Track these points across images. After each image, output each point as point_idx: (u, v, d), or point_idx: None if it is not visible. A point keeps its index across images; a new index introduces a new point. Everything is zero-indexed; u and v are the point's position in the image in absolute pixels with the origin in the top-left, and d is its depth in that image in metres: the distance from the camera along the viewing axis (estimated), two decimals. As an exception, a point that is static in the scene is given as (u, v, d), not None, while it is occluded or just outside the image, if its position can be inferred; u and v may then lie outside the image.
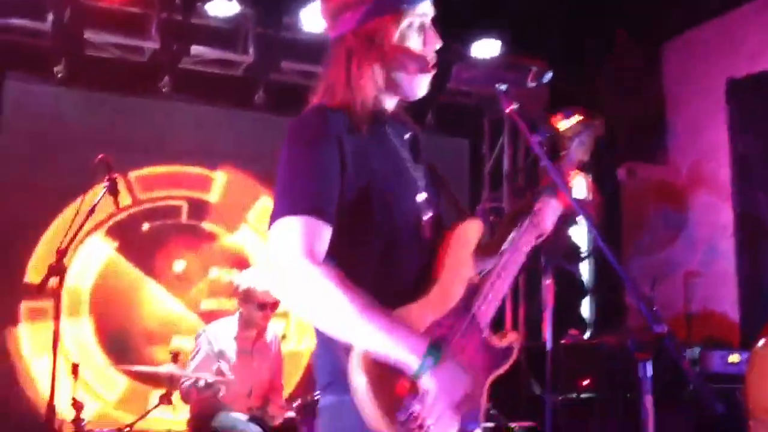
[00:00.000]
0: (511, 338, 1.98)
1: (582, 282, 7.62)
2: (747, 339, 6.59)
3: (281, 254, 1.69)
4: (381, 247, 1.83)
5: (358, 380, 1.66)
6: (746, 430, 3.15)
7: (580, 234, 7.48)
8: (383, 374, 1.67)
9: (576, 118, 6.69)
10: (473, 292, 1.92)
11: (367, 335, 1.66)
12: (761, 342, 3.22)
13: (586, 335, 7.43)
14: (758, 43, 6.97)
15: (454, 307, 1.87)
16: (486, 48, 6.69)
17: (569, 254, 7.06)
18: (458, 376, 1.71)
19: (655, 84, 8.15)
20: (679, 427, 5.03)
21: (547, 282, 5.31)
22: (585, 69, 7.21)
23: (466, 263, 1.94)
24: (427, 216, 1.93)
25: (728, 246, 7.08)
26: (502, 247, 2.06)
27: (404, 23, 1.91)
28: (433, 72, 1.95)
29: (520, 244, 2.05)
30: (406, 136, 2.02)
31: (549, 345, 5.24)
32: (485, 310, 1.92)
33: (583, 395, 5.73)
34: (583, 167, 2.28)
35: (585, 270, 7.74)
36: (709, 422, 5.09)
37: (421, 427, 1.67)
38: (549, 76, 1.87)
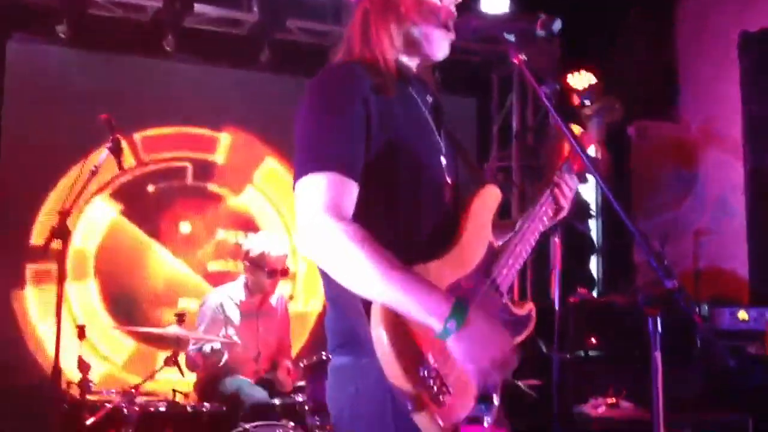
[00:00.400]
0: (529, 307, 1.99)
1: (591, 240, 7.58)
2: (756, 296, 6.57)
3: (306, 210, 1.67)
4: (404, 206, 1.80)
5: (379, 333, 1.62)
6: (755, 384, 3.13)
7: (588, 192, 7.43)
8: (405, 328, 1.64)
9: (587, 77, 6.57)
10: (494, 257, 1.90)
11: (390, 293, 1.62)
12: None
13: (594, 293, 7.41)
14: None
15: (474, 269, 1.84)
16: (494, 3, 6.60)
17: (578, 212, 7.01)
18: (487, 337, 1.65)
19: (667, 40, 8.03)
20: (689, 383, 5.01)
21: (555, 240, 5.25)
22: (596, 23, 7.08)
23: (486, 227, 1.92)
24: (448, 179, 1.91)
25: (739, 204, 7.01)
26: (522, 218, 2.05)
27: None
28: (452, 34, 1.92)
29: (540, 214, 2.06)
30: (429, 98, 1.98)
31: (557, 303, 5.21)
32: (506, 274, 1.91)
33: (591, 353, 5.72)
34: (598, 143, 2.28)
35: (594, 228, 7.69)
36: (719, 377, 5.07)
37: (442, 385, 1.64)
38: (558, 24, 1.81)
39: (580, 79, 7.05)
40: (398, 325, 1.63)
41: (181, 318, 4.35)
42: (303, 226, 1.67)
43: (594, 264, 7.65)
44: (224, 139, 6.57)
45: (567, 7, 7.19)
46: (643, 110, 8.05)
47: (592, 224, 7.63)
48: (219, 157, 6.56)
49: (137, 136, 6.23)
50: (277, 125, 6.50)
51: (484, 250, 1.88)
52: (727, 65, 7.12)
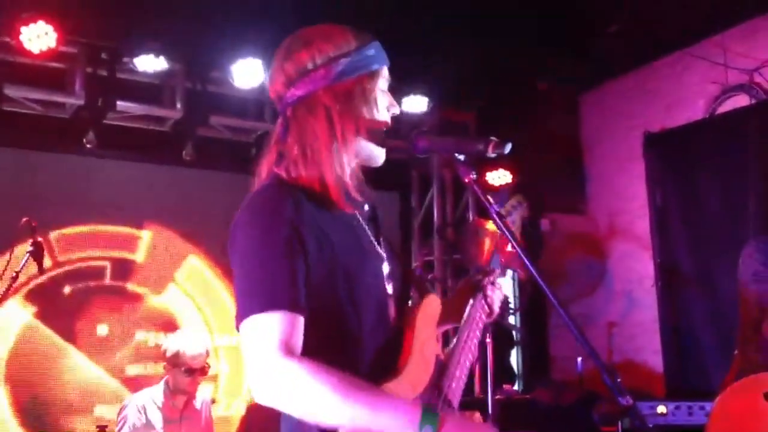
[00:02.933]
0: (476, 416, 2.03)
1: (511, 334, 7.69)
2: (671, 388, 6.75)
3: (257, 355, 1.61)
4: (350, 328, 1.77)
5: None
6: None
7: (506, 286, 7.56)
8: None
9: (504, 175, 6.76)
10: (441, 370, 1.90)
11: (360, 416, 1.59)
12: (726, 393, 3.26)
13: (516, 386, 7.48)
14: (672, 95, 7.27)
15: (426, 386, 1.82)
16: (415, 103, 6.79)
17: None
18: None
19: (574, 137, 8.39)
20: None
21: (487, 339, 5.29)
22: (507, 120, 7.36)
23: (432, 341, 1.92)
24: (390, 291, 1.90)
25: (648, 295, 7.25)
26: (460, 324, 2.06)
27: (378, 83, 1.89)
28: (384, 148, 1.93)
29: (476, 319, 2.07)
30: (366, 208, 1.96)
31: (490, 402, 5.23)
32: (455, 387, 1.90)
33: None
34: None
35: (513, 322, 7.82)
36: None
37: None
38: (508, 147, 1.86)
39: (498, 177, 7.30)
40: None
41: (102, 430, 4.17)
42: (257, 371, 1.61)
43: (514, 358, 7.75)
44: (145, 236, 6.40)
45: (481, 105, 7.55)
46: (554, 204, 8.35)
47: (512, 319, 7.76)
48: (139, 255, 6.36)
49: (53, 235, 5.99)
50: (200, 222, 6.39)
51: (432, 365, 1.88)
52: (631, 161, 7.48)
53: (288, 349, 1.60)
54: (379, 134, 1.89)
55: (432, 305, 1.96)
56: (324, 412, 1.60)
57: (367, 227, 1.92)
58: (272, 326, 1.61)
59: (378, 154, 1.92)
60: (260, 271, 1.66)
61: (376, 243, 1.92)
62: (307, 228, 1.71)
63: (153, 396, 4.64)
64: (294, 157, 1.81)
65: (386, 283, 1.89)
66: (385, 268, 1.91)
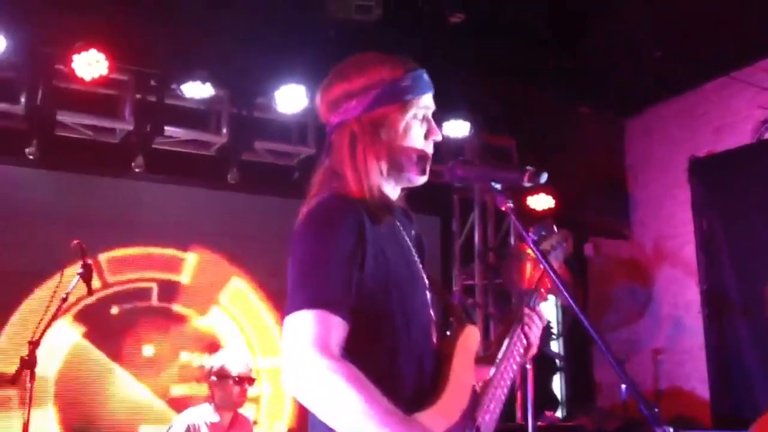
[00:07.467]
0: None
1: (553, 360, 7.63)
2: (718, 416, 6.63)
3: (293, 348, 1.62)
4: (396, 344, 1.78)
5: None
6: None
7: (549, 312, 7.51)
8: None
9: (546, 200, 6.70)
10: (476, 402, 1.90)
11: None
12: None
13: (559, 414, 7.40)
14: (719, 120, 7.19)
15: (460, 416, 1.82)
16: (456, 128, 6.83)
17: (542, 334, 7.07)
18: None
19: (618, 162, 8.33)
20: None
21: (527, 365, 5.27)
22: (549, 144, 7.35)
23: (469, 372, 1.92)
24: (434, 316, 1.91)
25: (695, 322, 7.14)
26: (497, 358, 2.04)
27: (410, 114, 1.92)
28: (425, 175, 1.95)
29: (513, 353, 2.06)
30: (413, 231, 1.99)
31: (531, 429, 5.20)
32: (488, 420, 1.90)
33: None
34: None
35: (556, 348, 7.75)
36: None
37: None
38: (545, 177, 1.87)
39: (539, 202, 7.28)
40: None
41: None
42: (289, 362, 1.61)
43: (557, 384, 7.67)
44: (191, 258, 6.51)
45: (523, 129, 7.54)
46: (598, 228, 8.29)
47: (554, 344, 7.70)
48: (185, 277, 6.48)
49: (103, 257, 6.14)
50: (243, 245, 6.49)
51: (468, 396, 1.87)
52: (677, 187, 7.40)
53: (324, 346, 1.60)
54: (407, 162, 1.92)
55: (471, 336, 1.97)
56: (350, 421, 1.58)
57: (414, 249, 1.95)
58: (312, 322, 1.62)
59: (413, 180, 1.95)
60: (312, 268, 1.70)
61: (420, 266, 1.94)
62: (365, 240, 1.74)
63: (201, 415, 4.66)
64: (342, 174, 1.87)
65: (431, 308, 1.91)
66: (429, 293, 1.93)
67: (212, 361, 4.75)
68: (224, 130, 6.38)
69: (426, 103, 1.96)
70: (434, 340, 1.90)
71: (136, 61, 5.97)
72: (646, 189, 8.10)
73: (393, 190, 1.95)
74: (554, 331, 7.52)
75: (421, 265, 1.95)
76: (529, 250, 2.27)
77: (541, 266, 2.14)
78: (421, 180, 1.95)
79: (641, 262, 8.06)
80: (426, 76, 1.98)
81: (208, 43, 5.92)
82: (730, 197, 6.84)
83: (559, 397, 7.61)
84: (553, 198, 7.26)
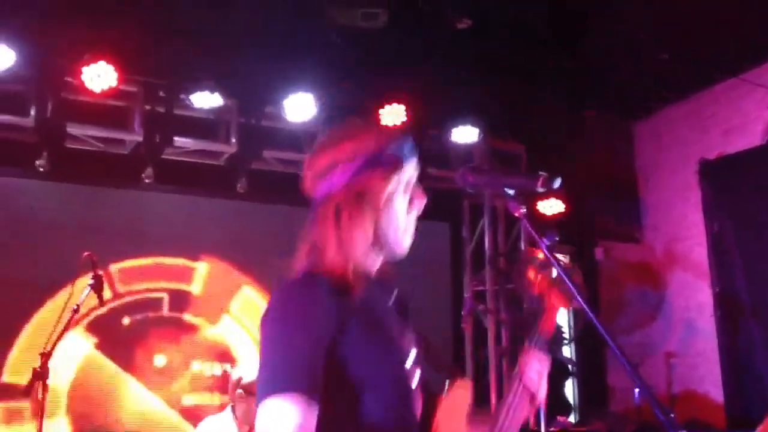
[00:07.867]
0: None
1: (565, 365, 7.60)
2: (732, 419, 6.59)
3: None
4: (372, 420, 1.74)
5: None
6: None
7: (561, 316, 7.49)
8: None
9: (557, 204, 6.65)
10: None
11: None
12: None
13: (571, 418, 7.37)
14: (729, 122, 7.17)
15: None
16: (465, 134, 6.82)
17: (553, 339, 7.05)
18: None
19: (628, 165, 8.32)
20: None
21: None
22: (557, 148, 7.33)
23: None
24: (416, 382, 1.87)
25: (708, 325, 7.11)
26: (500, 413, 1.97)
27: (394, 181, 1.88)
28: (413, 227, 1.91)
29: (511, 407, 1.97)
30: (393, 294, 1.96)
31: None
32: None
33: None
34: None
35: (568, 353, 7.73)
36: None
37: None
38: (558, 182, 1.85)
39: (549, 206, 7.26)
40: None
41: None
42: None
43: (569, 389, 7.65)
44: (201, 268, 6.53)
45: (531, 134, 7.53)
46: (608, 232, 8.26)
47: (567, 349, 7.67)
48: (195, 286, 6.49)
49: (114, 268, 6.16)
50: (254, 253, 6.50)
51: None
52: (687, 189, 7.38)
53: None
54: (392, 235, 1.87)
55: (459, 395, 1.92)
56: None
57: (393, 314, 1.92)
58: (286, 409, 1.61)
59: (395, 253, 1.91)
60: (280, 355, 1.68)
61: (400, 332, 1.90)
62: (335, 321, 1.72)
63: (223, 424, 4.63)
64: (319, 249, 1.84)
65: (412, 374, 1.87)
66: (411, 359, 1.88)
67: (240, 372, 4.67)
68: (233, 140, 6.40)
69: (411, 169, 1.92)
70: (416, 408, 1.85)
71: (144, 72, 6.00)
72: (656, 192, 8.07)
73: (374, 261, 1.91)
74: (566, 335, 7.49)
75: (402, 330, 1.91)
76: (539, 254, 2.24)
77: (548, 272, 2.12)
78: (403, 254, 1.91)
79: (652, 265, 8.03)
80: (410, 144, 1.94)
81: (217, 52, 5.94)
82: (741, 199, 6.81)
83: (571, 402, 7.58)
84: (563, 202, 7.24)
